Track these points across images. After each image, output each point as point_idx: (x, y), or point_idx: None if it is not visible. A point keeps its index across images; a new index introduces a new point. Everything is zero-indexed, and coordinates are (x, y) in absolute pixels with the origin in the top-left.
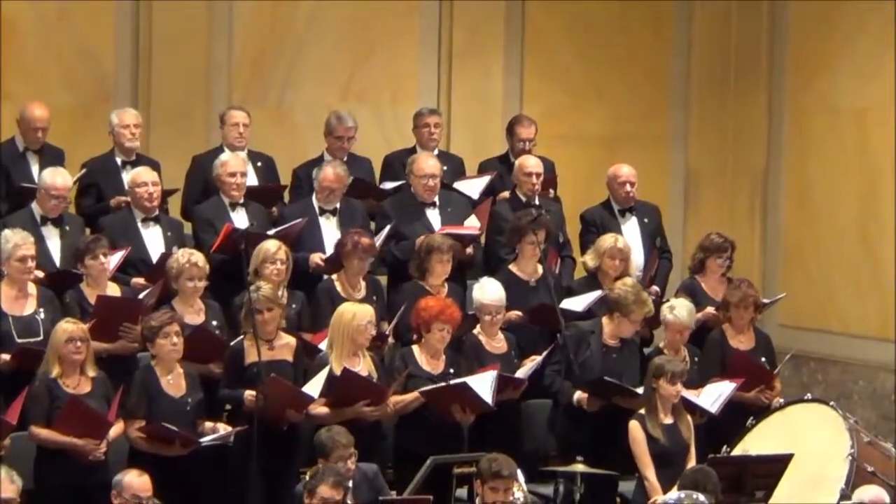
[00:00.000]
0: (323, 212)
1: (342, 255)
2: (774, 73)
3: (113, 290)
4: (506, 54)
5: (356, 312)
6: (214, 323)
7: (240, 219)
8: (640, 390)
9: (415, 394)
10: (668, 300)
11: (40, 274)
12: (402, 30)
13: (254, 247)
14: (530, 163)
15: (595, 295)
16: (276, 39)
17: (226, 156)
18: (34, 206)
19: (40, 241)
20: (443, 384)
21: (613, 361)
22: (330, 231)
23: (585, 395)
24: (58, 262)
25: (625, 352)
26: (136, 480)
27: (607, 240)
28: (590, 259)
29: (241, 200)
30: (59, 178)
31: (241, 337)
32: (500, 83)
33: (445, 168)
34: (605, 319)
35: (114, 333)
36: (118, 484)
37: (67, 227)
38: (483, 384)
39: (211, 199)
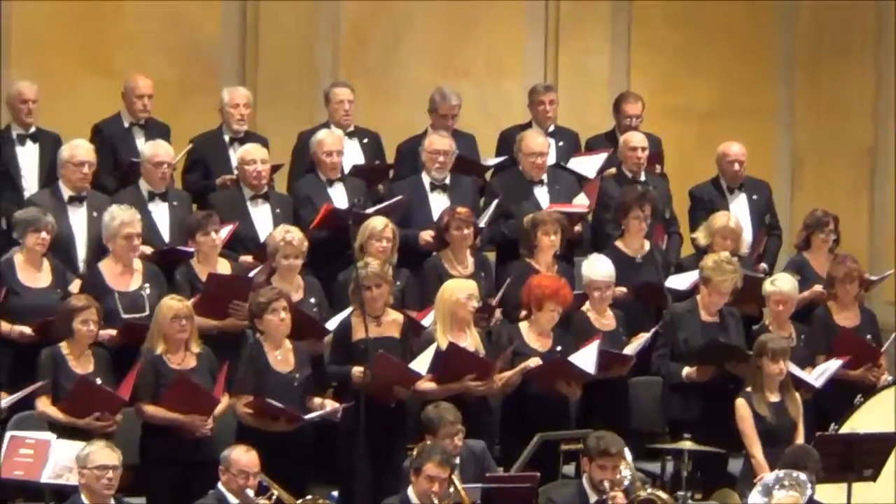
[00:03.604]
0: (434, 188)
1: (442, 228)
2: (882, 47)
3: (223, 266)
4: (612, 28)
5: (457, 287)
6: (313, 300)
7: (338, 194)
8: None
9: (519, 368)
10: None
11: (148, 250)
12: (507, 4)
13: (358, 224)
14: (635, 138)
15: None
16: (382, 16)
17: (321, 134)
18: (141, 182)
19: (148, 217)
20: (542, 362)
21: (715, 336)
22: (440, 207)
23: (694, 369)
24: (166, 237)
25: (725, 325)
26: (243, 456)
27: (720, 218)
28: (701, 237)
29: (339, 176)
30: (160, 149)
31: (348, 313)
32: (606, 57)
33: (561, 144)
34: (699, 296)
35: (223, 310)
36: (226, 459)
37: (175, 203)
38: (586, 356)
39: (308, 175)
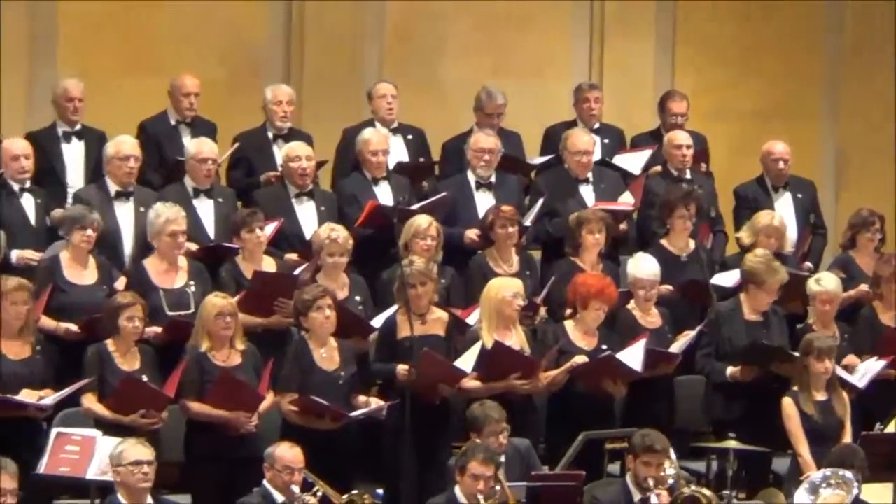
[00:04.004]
0: (479, 186)
1: (487, 227)
2: None
3: (268, 264)
4: (657, 28)
5: (502, 285)
6: (358, 298)
7: (383, 193)
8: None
9: (565, 367)
10: None
11: (193, 247)
12: (552, 3)
13: (403, 222)
14: (680, 136)
15: None
16: (428, 13)
17: (367, 133)
18: (186, 179)
19: (193, 213)
20: (588, 360)
21: (759, 335)
22: (486, 205)
23: (738, 369)
24: (211, 233)
25: (769, 324)
26: (288, 453)
27: (764, 217)
28: (745, 236)
29: (384, 174)
30: (204, 146)
31: (393, 311)
32: (650, 56)
33: (606, 141)
34: (742, 295)
35: (268, 307)
36: (270, 456)
37: (220, 199)
38: (632, 354)
39: (353, 174)
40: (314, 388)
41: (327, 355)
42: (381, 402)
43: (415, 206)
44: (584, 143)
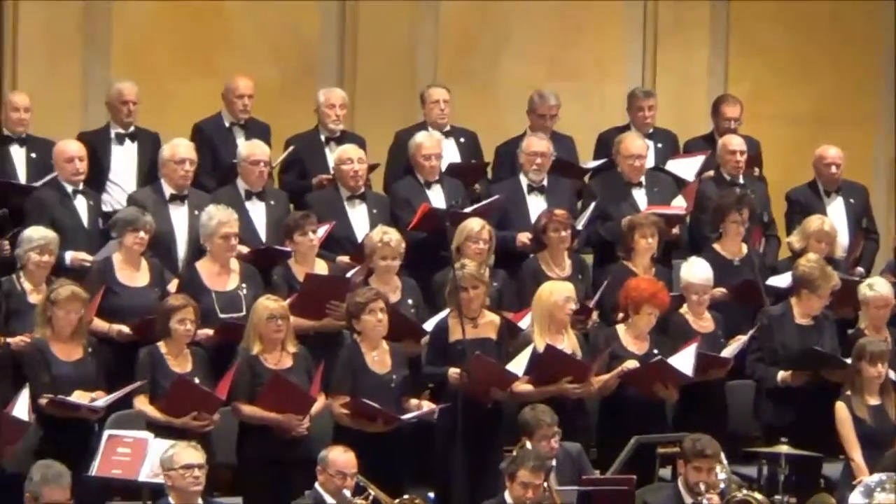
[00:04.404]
0: (531, 189)
1: (540, 230)
2: None
3: (320, 266)
4: (711, 32)
5: (555, 289)
6: (410, 301)
7: (435, 196)
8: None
9: (616, 371)
10: None
11: (245, 250)
12: (606, 7)
13: (455, 225)
14: (734, 141)
15: None
16: (482, 17)
17: (420, 137)
18: (238, 181)
19: (245, 216)
20: (638, 365)
21: (810, 340)
22: (538, 209)
23: (789, 373)
24: (263, 236)
25: (821, 329)
26: (341, 457)
27: (814, 222)
28: (796, 241)
29: (437, 178)
30: (256, 148)
31: (445, 315)
32: (704, 61)
33: (660, 146)
34: (793, 300)
35: (320, 310)
36: (323, 460)
37: (272, 202)
38: (684, 358)
39: (406, 177)
40: (365, 392)
41: (379, 358)
42: (433, 406)
43: (467, 210)
44: (638, 147)
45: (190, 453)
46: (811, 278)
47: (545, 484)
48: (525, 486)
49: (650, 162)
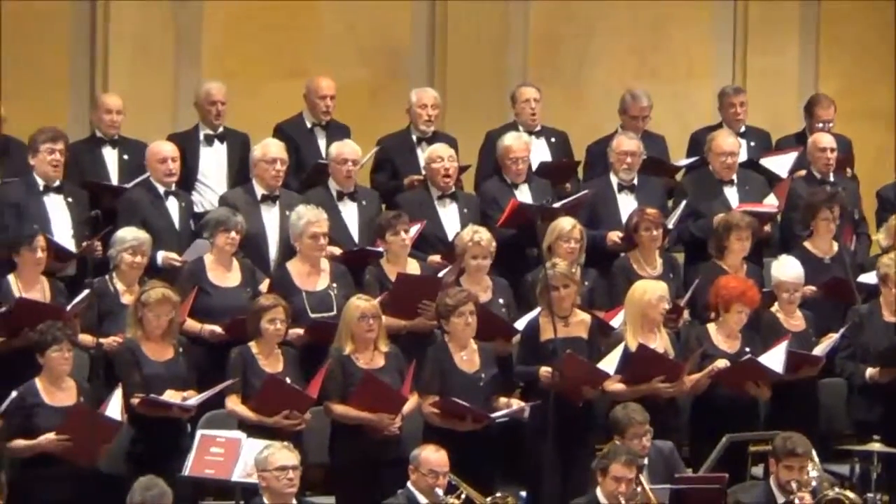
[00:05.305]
0: (621, 188)
1: (631, 229)
2: None
3: (412, 266)
4: (801, 29)
5: (648, 288)
6: (501, 301)
7: (523, 196)
8: None
9: (706, 371)
10: None
11: (337, 251)
12: (695, 6)
13: (546, 222)
14: (825, 139)
15: None
16: (572, 17)
17: (508, 139)
18: (330, 181)
19: (337, 216)
20: (729, 364)
21: None
22: (628, 208)
23: (877, 370)
24: (356, 236)
25: None
26: (433, 456)
27: None
28: (883, 238)
29: (524, 179)
30: (345, 147)
31: (536, 314)
32: (795, 58)
33: (752, 144)
34: (881, 298)
35: (411, 310)
36: (416, 459)
37: (364, 202)
38: (774, 356)
39: (494, 178)
40: (454, 391)
41: (468, 358)
42: (522, 404)
43: (557, 204)
44: (730, 145)
45: (285, 455)
46: (893, 275)
47: (638, 481)
48: (618, 480)
49: (742, 159)
